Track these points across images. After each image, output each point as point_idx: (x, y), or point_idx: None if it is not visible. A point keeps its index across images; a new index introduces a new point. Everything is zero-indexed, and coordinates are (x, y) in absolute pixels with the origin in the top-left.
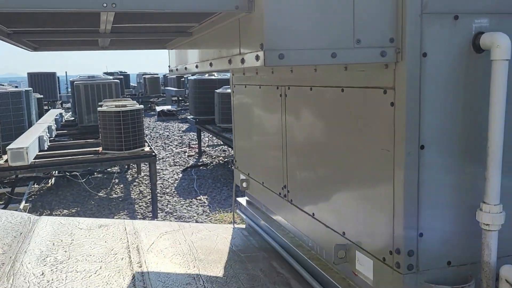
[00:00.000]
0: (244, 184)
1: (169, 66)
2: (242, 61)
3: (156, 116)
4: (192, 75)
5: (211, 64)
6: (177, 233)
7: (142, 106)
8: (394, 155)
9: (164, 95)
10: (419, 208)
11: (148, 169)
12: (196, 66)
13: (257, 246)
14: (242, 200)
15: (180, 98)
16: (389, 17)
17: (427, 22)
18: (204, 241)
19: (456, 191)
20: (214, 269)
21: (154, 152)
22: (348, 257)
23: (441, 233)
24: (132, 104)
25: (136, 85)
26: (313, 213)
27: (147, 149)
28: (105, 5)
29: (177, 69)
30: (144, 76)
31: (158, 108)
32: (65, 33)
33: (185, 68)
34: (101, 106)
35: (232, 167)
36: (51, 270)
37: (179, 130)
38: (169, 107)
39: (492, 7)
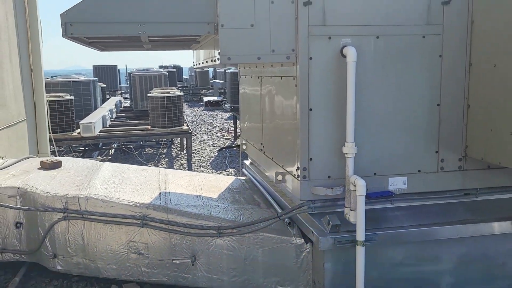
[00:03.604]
0: (244, 147)
1: (193, 62)
2: (214, 60)
3: (203, 106)
4: (226, 69)
5: (206, 62)
6: (194, 177)
7: (182, 93)
8: (297, 114)
9: (212, 87)
10: (310, 144)
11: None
12: (202, 63)
13: (248, 187)
14: (247, 162)
15: (226, 90)
16: (291, 37)
17: (312, 41)
18: (211, 182)
19: (332, 135)
20: (212, 194)
21: (190, 130)
22: (285, 179)
23: (323, 159)
24: (174, 92)
25: (188, 77)
26: (272, 157)
27: (185, 127)
28: (140, 32)
29: (194, 64)
30: (195, 69)
31: (205, 99)
32: (122, 41)
33: (197, 64)
34: (151, 93)
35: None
36: (111, 186)
37: (222, 118)
38: (215, 97)
39: (351, 32)
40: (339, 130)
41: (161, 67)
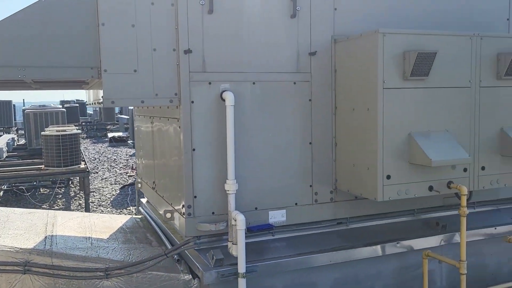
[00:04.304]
0: (139, 185)
1: (85, 101)
2: (99, 103)
3: (108, 142)
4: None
5: (94, 103)
6: (86, 218)
7: (79, 131)
8: (181, 154)
9: (118, 122)
10: (194, 182)
11: (91, 186)
12: (93, 103)
13: (142, 226)
14: (144, 200)
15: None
16: (173, 82)
17: (193, 85)
18: (104, 222)
19: (214, 173)
20: (103, 235)
21: (87, 169)
22: (173, 217)
23: (207, 196)
24: (71, 130)
25: (92, 112)
26: (163, 196)
27: (83, 166)
28: (20, 76)
29: (86, 104)
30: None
31: (110, 135)
32: (6, 82)
33: (90, 104)
34: (45, 131)
35: None
36: None
37: (127, 155)
38: (120, 133)
39: (230, 78)
40: (221, 168)
41: (62, 102)
